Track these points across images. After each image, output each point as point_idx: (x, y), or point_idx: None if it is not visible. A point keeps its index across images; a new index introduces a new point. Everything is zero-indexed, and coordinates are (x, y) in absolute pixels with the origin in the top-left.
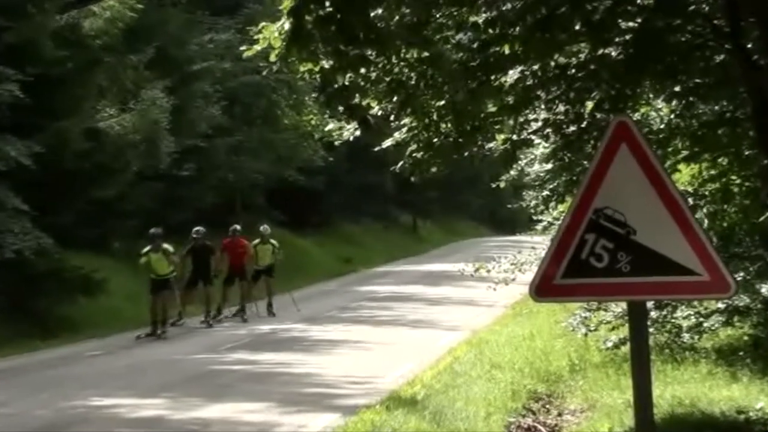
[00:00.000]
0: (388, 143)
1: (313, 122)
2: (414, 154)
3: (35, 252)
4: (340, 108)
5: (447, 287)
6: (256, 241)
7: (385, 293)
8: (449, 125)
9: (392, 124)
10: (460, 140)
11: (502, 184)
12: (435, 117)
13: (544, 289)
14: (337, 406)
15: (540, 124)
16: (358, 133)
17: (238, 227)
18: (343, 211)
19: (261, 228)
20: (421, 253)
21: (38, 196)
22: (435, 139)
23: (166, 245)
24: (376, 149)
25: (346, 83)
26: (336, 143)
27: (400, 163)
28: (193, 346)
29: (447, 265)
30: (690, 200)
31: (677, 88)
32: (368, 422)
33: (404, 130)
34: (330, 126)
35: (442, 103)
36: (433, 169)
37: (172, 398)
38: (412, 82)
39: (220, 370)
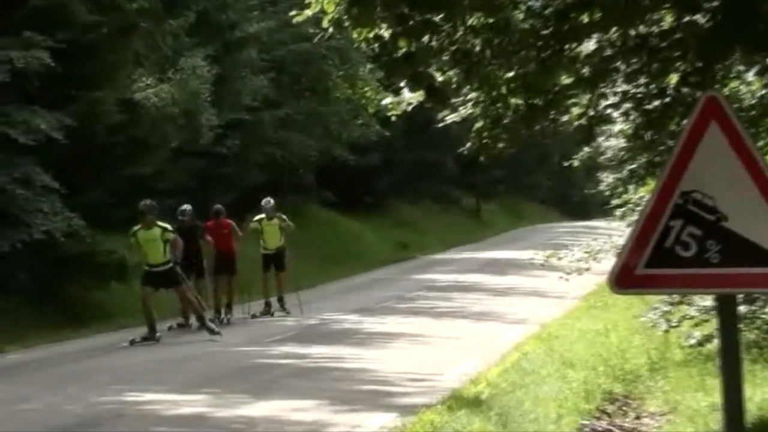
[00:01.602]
0: (452, 118)
1: (367, 94)
2: (479, 132)
3: (65, 234)
4: (401, 79)
5: (513, 276)
6: (259, 217)
7: (446, 282)
8: (518, 99)
9: (456, 99)
10: (530, 115)
11: (576, 163)
12: (503, 90)
13: (623, 279)
14: (393, 405)
15: (619, 99)
16: (420, 100)
17: (220, 207)
18: (398, 192)
19: (262, 202)
20: (485, 239)
21: (68, 172)
22: (503, 114)
23: (162, 223)
24: (440, 125)
25: (409, 50)
26: (392, 118)
27: (468, 145)
28: (235, 337)
29: (513, 253)
30: None
31: None
32: (428, 423)
33: (469, 105)
34: (388, 100)
35: (511, 74)
36: (501, 145)
37: (214, 394)
38: (478, 50)
39: (266, 365)
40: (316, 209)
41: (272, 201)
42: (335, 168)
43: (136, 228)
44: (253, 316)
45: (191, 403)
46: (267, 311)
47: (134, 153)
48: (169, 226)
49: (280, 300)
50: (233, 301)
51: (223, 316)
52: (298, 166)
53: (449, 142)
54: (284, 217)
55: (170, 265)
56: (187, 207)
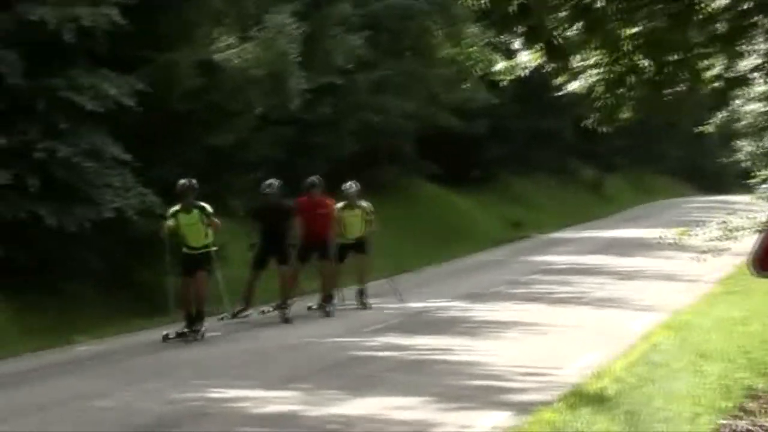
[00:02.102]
0: (572, 87)
1: (474, 55)
2: (601, 97)
3: (139, 211)
4: (514, 36)
5: (639, 258)
6: (340, 204)
7: (564, 265)
8: (645, 59)
9: (576, 64)
10: (659, 78)
11: (710, 128)
12: (627, 48)
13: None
14: (507, 403)
15: (759, 59)
16: (535, 63)
17: (316, 179)
18: (510, 164)
19: (344, 186)
20: (607, 216)
21: (141, 143)
22: (628, 77)
23: (203, 203)
24: (559, 93)
25: (524, 2)
26: (503, 82)
27: (588, 115)
28: (330, 327)
29: (639, 231)
30: None
31: None
32: (546, 423)
33: (591, 70)
34: (500, 66)
35: (637, 30)
36: (625, 115)
37: (306, 390)
38: (600, 5)
39: (364, 357)
40: (417, 183)
41: (355, 186)
42: (439, 137)
43: (175, 209)
44: (309, 308)
45: (281, 401)
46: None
47: (214, 121)
48: (208, 207)
49: (361, 293)
50: (332, 290)
51: (315, 307)
52: (397, 134)
53: (566, 106)
54: (371, 209)
55: (210, 248)
56: (273, 181)
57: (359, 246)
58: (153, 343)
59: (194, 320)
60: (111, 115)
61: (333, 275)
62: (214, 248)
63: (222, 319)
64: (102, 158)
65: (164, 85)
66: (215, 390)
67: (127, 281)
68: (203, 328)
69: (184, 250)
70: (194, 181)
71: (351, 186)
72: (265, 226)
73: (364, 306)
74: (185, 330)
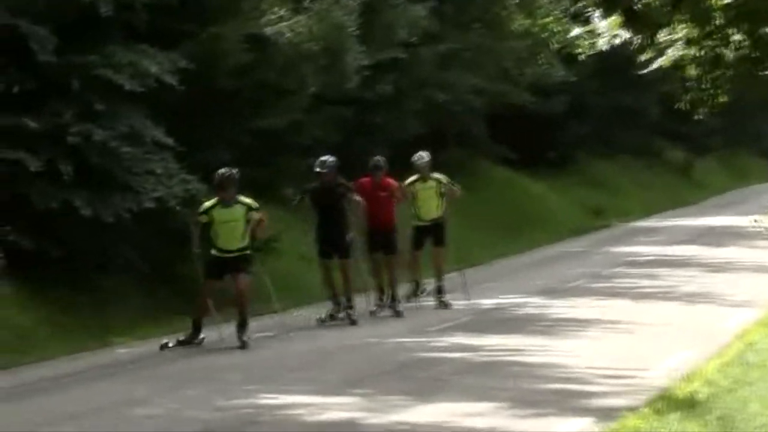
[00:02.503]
0: (659, 63)
1: (550, 26)
2: (694, 79)
3: (182, 201)
4: (592, 3)
5: (733, 248)
6: (412, 179)
7: (650, 256)
8: (740, 33)
9: (662, 35)
10: (756, 54)
11: None
12: (720, 21)
13: None
14: (588, 408)
15: None
16: (615, 34)
17: (380, 159)
18: (589, 145)
19: (414, 157)
20: (697, 202)
21: (184, 125)
22: (721, 54)
23: (247, 199)
24: (643, 72)
25: None
26: (581, 56)
27: (682, 101)
28: (392, 327)
29: (732, 218)
30: None
31: None
32: (631, 430)
33: (678, 45)
34: (576, 31)
35: (729, 1)
36: (722, 100)
37: (367, 396)
38: None
39: (430, 359)
40: (487, 167)
41: (426, 156)
42: (511, 116)
43: (210, 204)
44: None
45: (339, 407)
46: (414, 293)
47: (264, 101)
48: (253, 202)
49: (440, 291)
50: (395, 286)
51: (380, 305)
52: (465, 113)
53: (651, 81)
54: (445, 178)
55: (247, 251)
56: (329, 158)
57: (437, 232)
58: (197, 345)
59: (239, 328)
60: (151, 94)
61: (401, 267)
62: (248, 251)
63: (323, 320)
64: (142, 142)
65: (209, 62)
66: (267, 396)
67: (169, 276)
68: (246, 337)
69: (213, 252)
70: (235, 171)
71: (421, 157)
72: (320, 210)
73: (444, 305)
74: (183, 339)
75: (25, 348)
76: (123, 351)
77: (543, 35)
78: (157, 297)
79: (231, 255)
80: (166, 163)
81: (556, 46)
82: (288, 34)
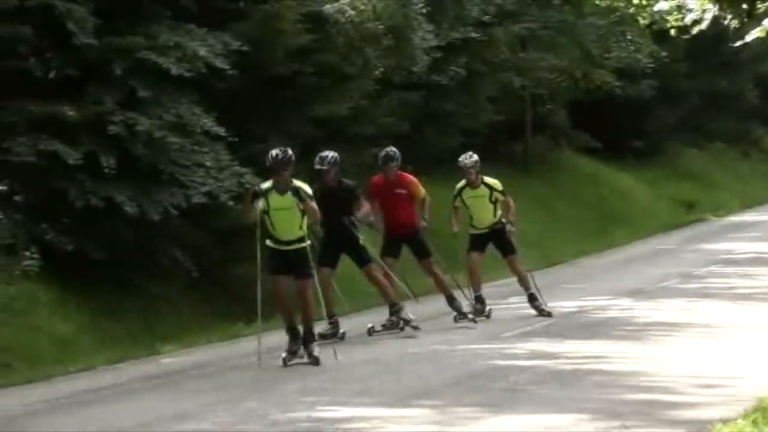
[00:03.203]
0: (756, 32)
1: (637, 2)
2: None
3: (234, 195)
4: None
5: None
6: (458, 186)
7: (747, 254)
8: None
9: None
10: None
11: None
12: None
13: None
14: (678, 420)
15: None
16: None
17: (392, 151)
18: (680, 133)
19: (460, 159)
20: None
21: (237, 113)
22: None
23: (300, 183)
24: (738, 43)
25: None
26: (672, 32)
27: None
28: (462, 332)
29: None
30: None
31: None
32: None
33: None
34: (662, 4)
35: None
36: None
37: (435, 408)
38: None
39: (505, 367)
40: (569, 158)
41: (475, 156)
42: (594, 102)
43: (267, 185)
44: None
45: (405, 420)
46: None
47: (324, 86)
48: (306, 187)
49: (532, 299)
50: (449, 291)
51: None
52: (545, 98)
53: (747, 62)
54: (498, 186)
55: (305, 243)
56: (329, 155)
57: (498, 240)
58: (252, 353)
59: (304, 340)
60: (200, 80)
61: (442, 274)
62: (308, 242)
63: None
64: (190, 132)
65: (264, 44)
66: (328, 408)
67: (220, 279)
68: (316, 351)
69: (270, 243)
70: (290, 151)
71: (469, 157)
72: (325, 215)
73: (545, 313)
74: (294, 349)
75: (66, 357)
76: (170, 361)
77: (628, 11)
78: (208, 301)
79: (290, 247)
80: (217, 155)
81: (644, 22)
82: (350, 13)
